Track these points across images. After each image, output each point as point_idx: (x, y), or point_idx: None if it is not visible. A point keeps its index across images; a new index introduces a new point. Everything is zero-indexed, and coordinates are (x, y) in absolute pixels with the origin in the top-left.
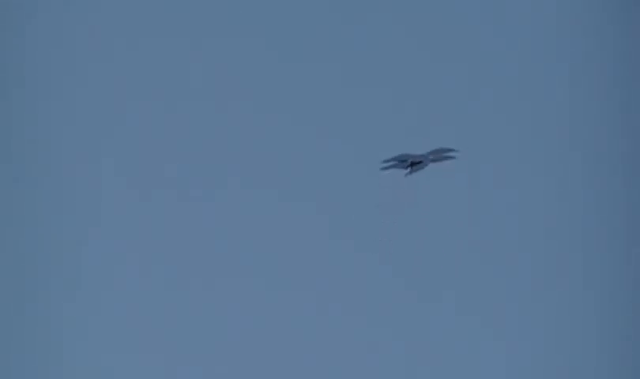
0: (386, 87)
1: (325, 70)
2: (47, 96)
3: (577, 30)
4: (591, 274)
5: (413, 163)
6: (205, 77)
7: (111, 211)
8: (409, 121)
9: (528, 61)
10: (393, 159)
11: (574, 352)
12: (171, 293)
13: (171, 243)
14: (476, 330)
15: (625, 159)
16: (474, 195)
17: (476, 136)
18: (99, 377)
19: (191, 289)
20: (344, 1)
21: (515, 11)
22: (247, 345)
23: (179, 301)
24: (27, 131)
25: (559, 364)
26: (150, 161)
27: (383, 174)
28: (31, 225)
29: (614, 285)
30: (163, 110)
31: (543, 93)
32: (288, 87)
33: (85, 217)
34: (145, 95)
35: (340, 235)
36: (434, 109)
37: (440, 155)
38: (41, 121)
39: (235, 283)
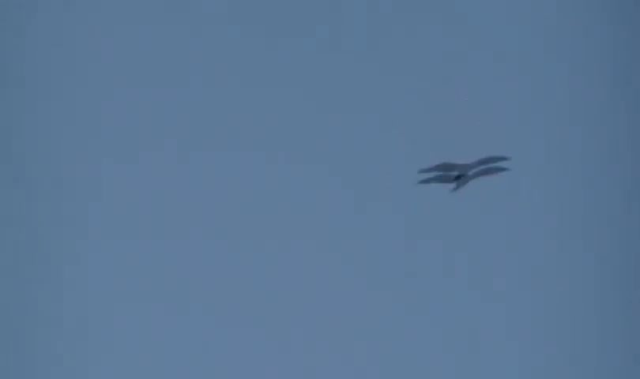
0: (385, 88)
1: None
2: (47, 96)
3: (577, 29)
4: (593, 273)
5: (459, 176)
6: (206, 76)
7: (111, 211)
8: (413, 125)
9: (527, 59)
10: (435, 168)
11: (575, 349)
12: (173, 291)
13: (173, 243)
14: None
15: (626, 157)
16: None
17: (474, 134)
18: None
19: (193, 289)
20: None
21: (515, 9)
22: (250, 347)
23: (182, 300)
24: (27, 131)
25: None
26: (151, 161)
27: (421, 190)
28: (30, 225)
29: (619, 285)
30: (164, 110)
31: (542, 92)
32: (288, 87)
33: (86, 218)
34: (146, 95)
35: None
36: (434, 107)
37: (488, 166)
38: (41, 122)
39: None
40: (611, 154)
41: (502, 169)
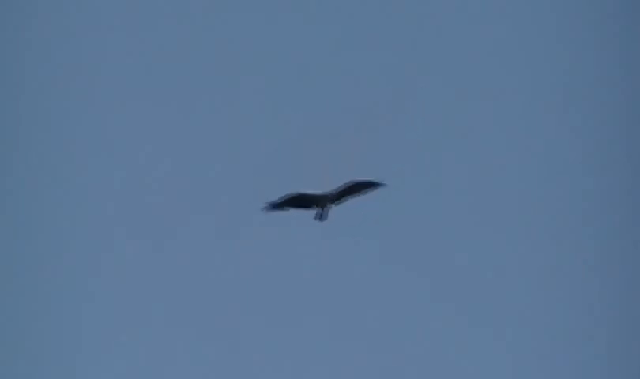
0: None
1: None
2: (48, 96)
3: (577, 26)
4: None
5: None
6: (209, 78)
7: (111, 211)
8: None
9: (526, 56)
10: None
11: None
12: (177, 296)
13: (176, 250)
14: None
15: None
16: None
17: (470, 134)
18: None
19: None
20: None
21: (514, 5)
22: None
23: (186, 306)
24: (27, 131)
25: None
26: (153, 163)
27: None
28: (30, 227)
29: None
30: (165, 111)
31: (540, 92)
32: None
33: (86, 220)
34: (147, 96)
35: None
36: (434, 105)
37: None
38: (41, 122)
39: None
40: (610, 154)
41: (376, 186)
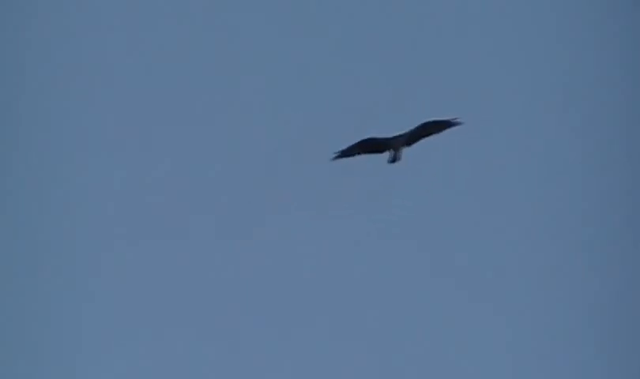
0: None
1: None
2: (48, 96)
3: (578, 25)
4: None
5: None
6: (209, 78)
7: (111, 211)
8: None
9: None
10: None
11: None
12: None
13: (177, 249)
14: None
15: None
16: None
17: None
18: None
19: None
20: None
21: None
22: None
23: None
24: (27, 131)
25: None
26: (153, 163)
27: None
28: (30, 227)
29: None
30: (165, 111)
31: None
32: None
33: (86, 220)
34: (147, 96)
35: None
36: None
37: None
38: (41, 122)
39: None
40: (610, 154)
41: (455, 124)
